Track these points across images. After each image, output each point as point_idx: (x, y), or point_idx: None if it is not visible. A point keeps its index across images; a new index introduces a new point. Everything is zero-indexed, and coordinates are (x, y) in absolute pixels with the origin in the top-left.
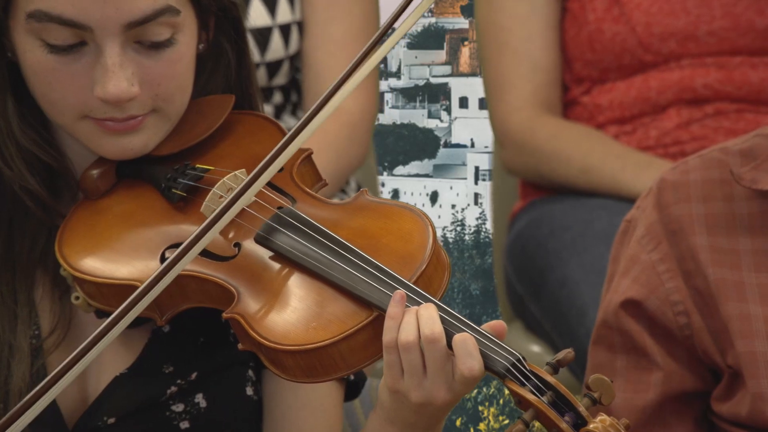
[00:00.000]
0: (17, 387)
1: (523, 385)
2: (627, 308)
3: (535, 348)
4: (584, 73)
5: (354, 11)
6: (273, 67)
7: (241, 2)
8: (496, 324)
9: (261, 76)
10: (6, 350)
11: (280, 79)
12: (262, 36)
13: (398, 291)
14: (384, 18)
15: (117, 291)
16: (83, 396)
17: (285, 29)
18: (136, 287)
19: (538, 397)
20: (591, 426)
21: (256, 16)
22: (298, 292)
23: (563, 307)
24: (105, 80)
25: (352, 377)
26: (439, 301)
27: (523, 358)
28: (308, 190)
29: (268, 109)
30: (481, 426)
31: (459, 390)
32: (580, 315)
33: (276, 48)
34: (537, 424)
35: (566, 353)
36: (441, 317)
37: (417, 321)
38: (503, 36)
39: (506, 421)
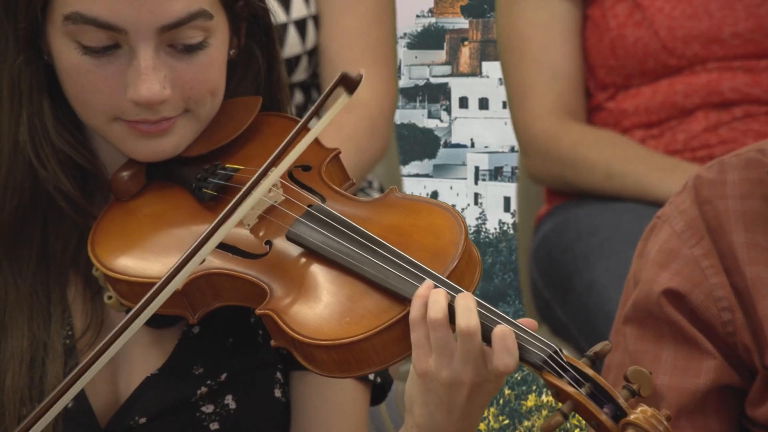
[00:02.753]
0: (52, 386)
1: (560, 377)
2: (670, 298)
3: (566, 353)
4: (608, 79)
5: (367, 2)
6: (292, 63)
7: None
8: (528, 321)
9: None
10: (41, 349)
11: (300, 75)
12: (278, 33)
13: (428, 280)
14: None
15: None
16: (115, 396)
17: (300, 24)
18: None
19: (577, 389)
20: (632, 417)
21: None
22: (330, 288)
23: (590, 311)
24: (138, 83)
25: (378, 380)
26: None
27: (560, 349)
28: (337, 188)
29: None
30: (481, 426)
31: (488, 376)
32: (607, 319)
33: (293, 44)
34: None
35: (603, 345)
36: (477, 310)
37: (446, 300)
38: (523, 44)
39: (506, 421)
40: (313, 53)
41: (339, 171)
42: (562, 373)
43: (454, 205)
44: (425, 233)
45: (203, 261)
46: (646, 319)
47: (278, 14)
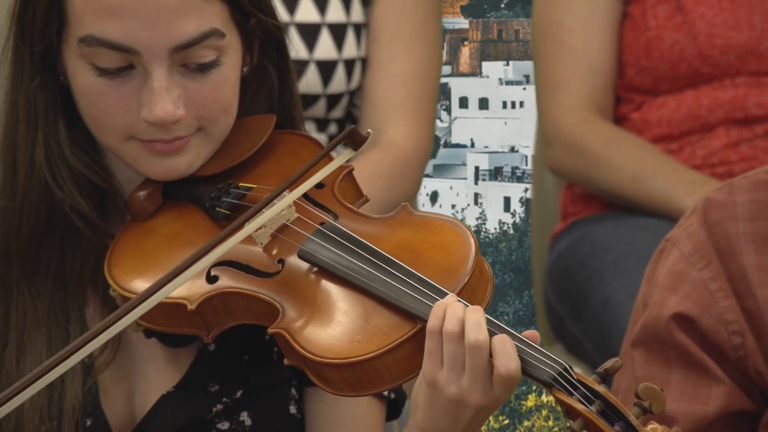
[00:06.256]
0: (70, 404)
1: (570, 394)
2: (679, 323)
3: (577, 370)
4: (636, 81)
5: (417, 51)
6: (333, 100)
7: (283, 26)
8: (531, 334)
9: (321, 107)
10: None
11: (338, 112)
12: (327, 69)
13: (451, 294)
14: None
15: (165, 310)
16: (131, 413)
17: (349, 64)
18: (184, 305)
19: (587, 407)
20: None
21: (324, 49)
22: (341, 306)
23: (605, 328)
24: (152, 103)
25: (392, 396)
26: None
27: (570, 367)
28: (350, 205)
29: (322, 138)
30: (482, 426)
31: (496, 394)
32: (622, 336)
33: (339, 81)
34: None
35: (614, 362)
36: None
37: (463, 315)
38: (562, 34)
39: (506, 421)
40: (354, 94)
41: (352, 188)
42: (572, 390)
43: (453, 206)
44: (436, 250)
45: (213, 279)
46: (654, 344)
47: (330, 50)
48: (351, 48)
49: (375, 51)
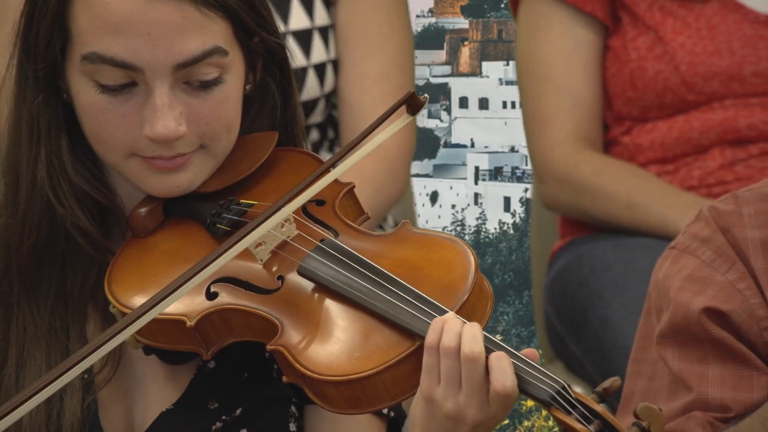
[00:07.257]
0: (69, 422)
1: (569, 413)
2: (711, 316)
3: (577, 389)
4: (624, 111)
5: (387, 48)
6: (309, 106)
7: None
8: (529, 352)
9: None
10: None
11: (317, 117)
12: (298, 76)
13: (451, 312)
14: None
15: (165, 326)
16: (130, 431)
17: (320, 68)
18: (183, 322)
19: (585, 426)
20: None
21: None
22: (340, 323)
23: (605, 347)
24: (154, 120)
25: (392, 414)
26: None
27: (568, 385)
28: (350, 222)
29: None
30: None
31: (493, 411)
32: (623, 355)
33: (311, 87)
34: None
35: (612, 381)
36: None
37: (461, 331)
38: (545, 70)
39: (506, 421)
40: (330, 96)
41: (353, 205)
42: (571, 409)
43: (453, 206)
44: (436, 267)
45: (212, 296)
46: (687, 341)
47: (298, 58)
48: (319, 52)
49: (345, 52)
